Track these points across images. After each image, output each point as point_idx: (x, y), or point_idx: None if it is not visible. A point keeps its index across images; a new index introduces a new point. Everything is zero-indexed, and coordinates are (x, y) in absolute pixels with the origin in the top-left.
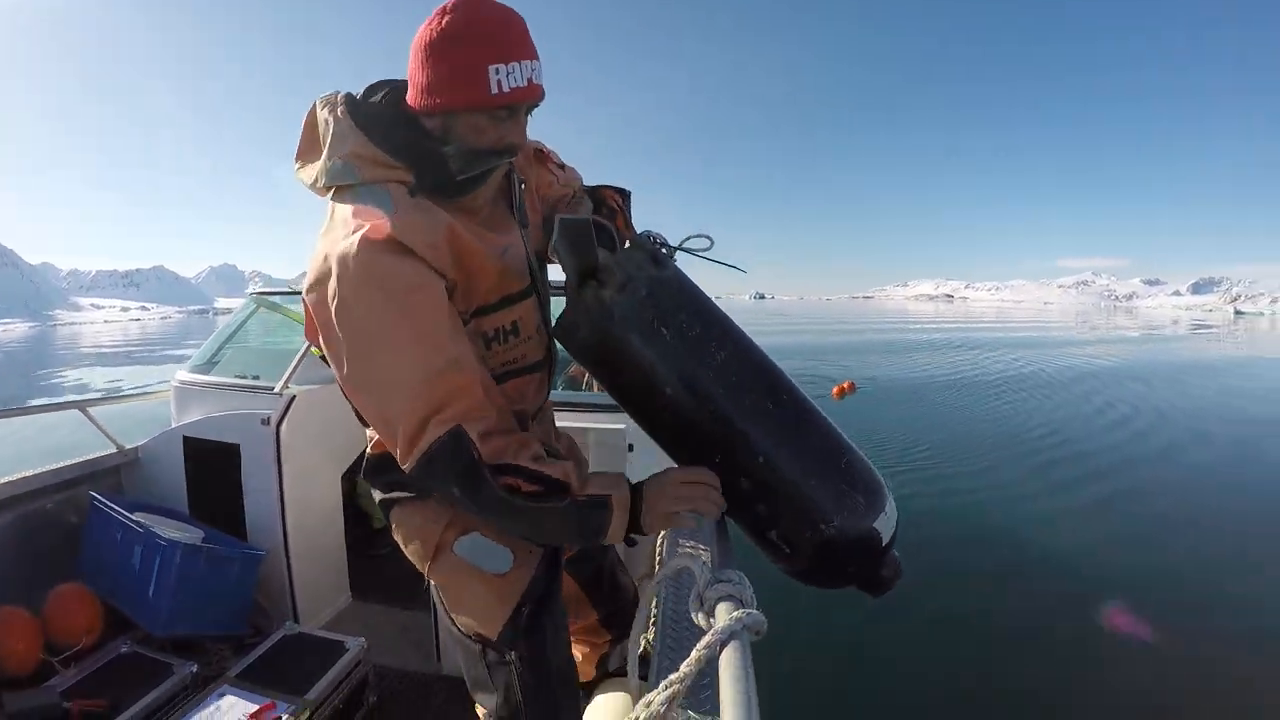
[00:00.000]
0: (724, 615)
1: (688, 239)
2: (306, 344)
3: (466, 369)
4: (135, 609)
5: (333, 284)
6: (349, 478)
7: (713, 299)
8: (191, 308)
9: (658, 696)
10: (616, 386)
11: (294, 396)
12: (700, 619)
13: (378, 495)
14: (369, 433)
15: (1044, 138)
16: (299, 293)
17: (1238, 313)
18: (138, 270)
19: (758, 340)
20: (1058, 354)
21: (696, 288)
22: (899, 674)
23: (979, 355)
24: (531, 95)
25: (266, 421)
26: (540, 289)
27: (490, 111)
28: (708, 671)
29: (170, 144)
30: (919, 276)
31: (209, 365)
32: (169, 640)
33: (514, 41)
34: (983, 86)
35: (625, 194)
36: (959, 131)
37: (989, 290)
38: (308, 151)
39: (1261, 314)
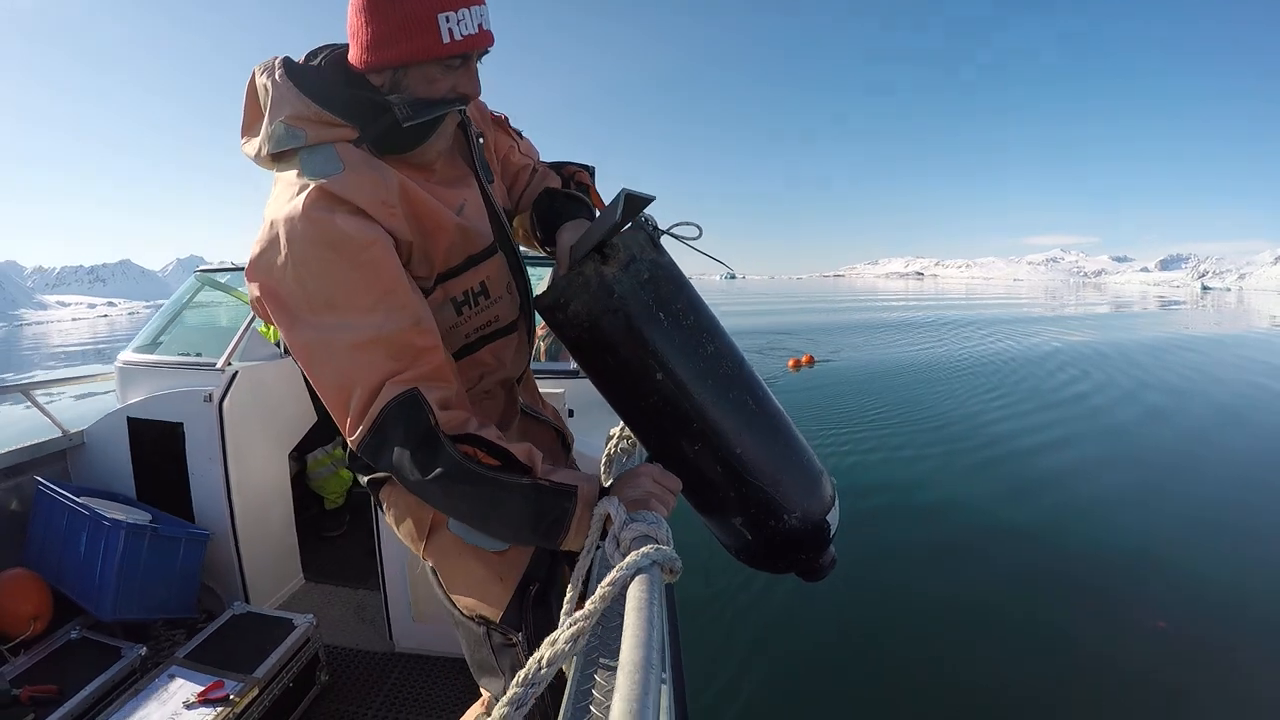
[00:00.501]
0: (635, 552)
1: (675, 225)
2: (250, 318)
3: (428, 331)
4: (83, 594)
5: (282, 249)
6: (298, 458)
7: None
8: (159, 301)
9: (563, 634)
10: (601, 366)
11: (236, 372)
12: (616, 559)
13: (364, 476)
14: None
15: (1013, 115)
16: (244, 268)
17: (1204, 288)
18: (103, 265)
19: (731, 320)
20: (1026, 329)
21: (687, 280)
22: (849, 647)
23: (950, 331)
24: (483, 41)
25: (209, 398)
26: (505, 245)
27: (443, 61)
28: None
29: (133, 134)
30: (889, 254)
31: (153, 345)
32: (118, 625)
33: None
34: (953, 63)
35: (590, 170)
36: (923, 109)
37: (959, 267)
38: (252, 124)
39: (1228, 289)
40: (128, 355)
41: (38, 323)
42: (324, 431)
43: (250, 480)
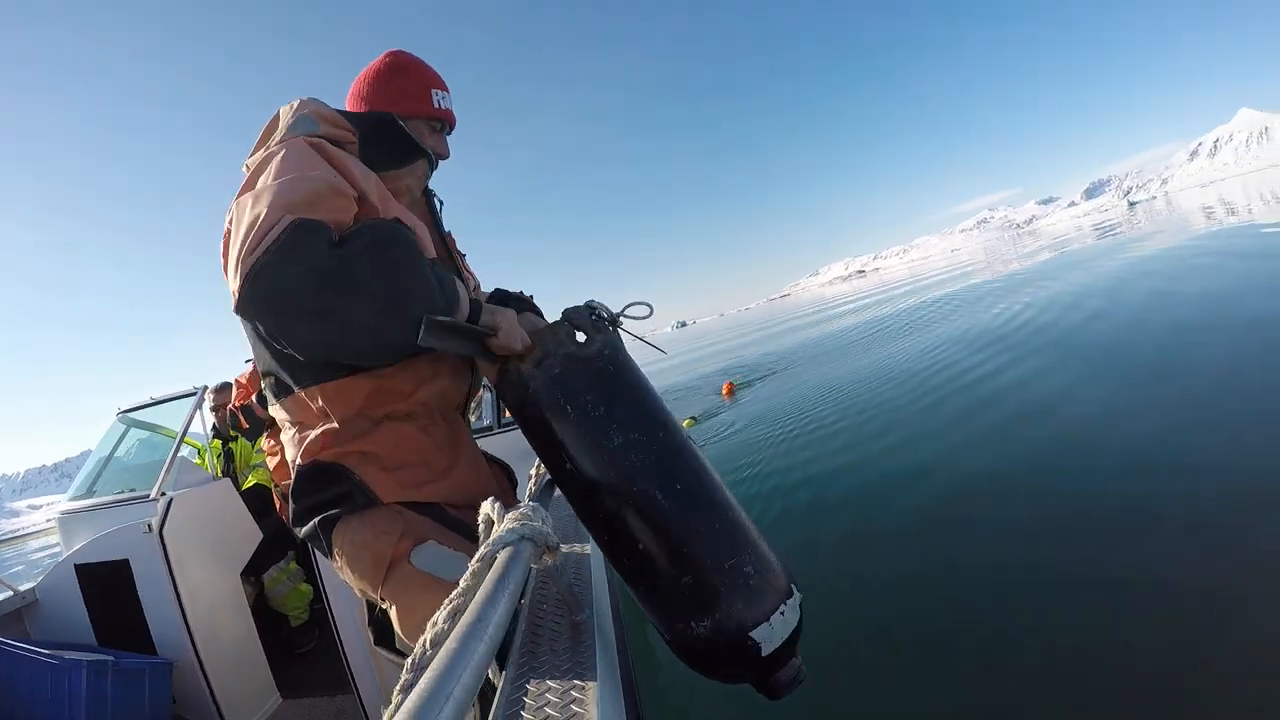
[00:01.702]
0: (504, 527)
1: (628, 306)
2: (176, 447)
3: (346, 202)
4: None
5: (258, 173)
6: (255, 580)
7: (640, 375)
8: None
9: (441, 613)
10: (537, 449)
11: (171, 499)
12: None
13: (309, 525)
14: (290, 438)
15: (904, 92)
16: (165, 400)
17: (1130, 204)
18: (66, 460)
19: (683, 367)
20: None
21: (619, 365)
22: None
23: (897, 314)
24: (452, 118)
25: (149, 529)
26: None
27: (429, 121)
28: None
29: (82, 317)
30: (828, 261)
31: (89, 493)
32: None
33: (439, 79)
34: (830, 55)
35: (529, 299)
36: (823, 110)
37: (897, 255)
38: (263, 142)
39: (1154, 198)
40: (65, 505)
41: (13, 534)
42: (274, 549)
43: (205, 604)
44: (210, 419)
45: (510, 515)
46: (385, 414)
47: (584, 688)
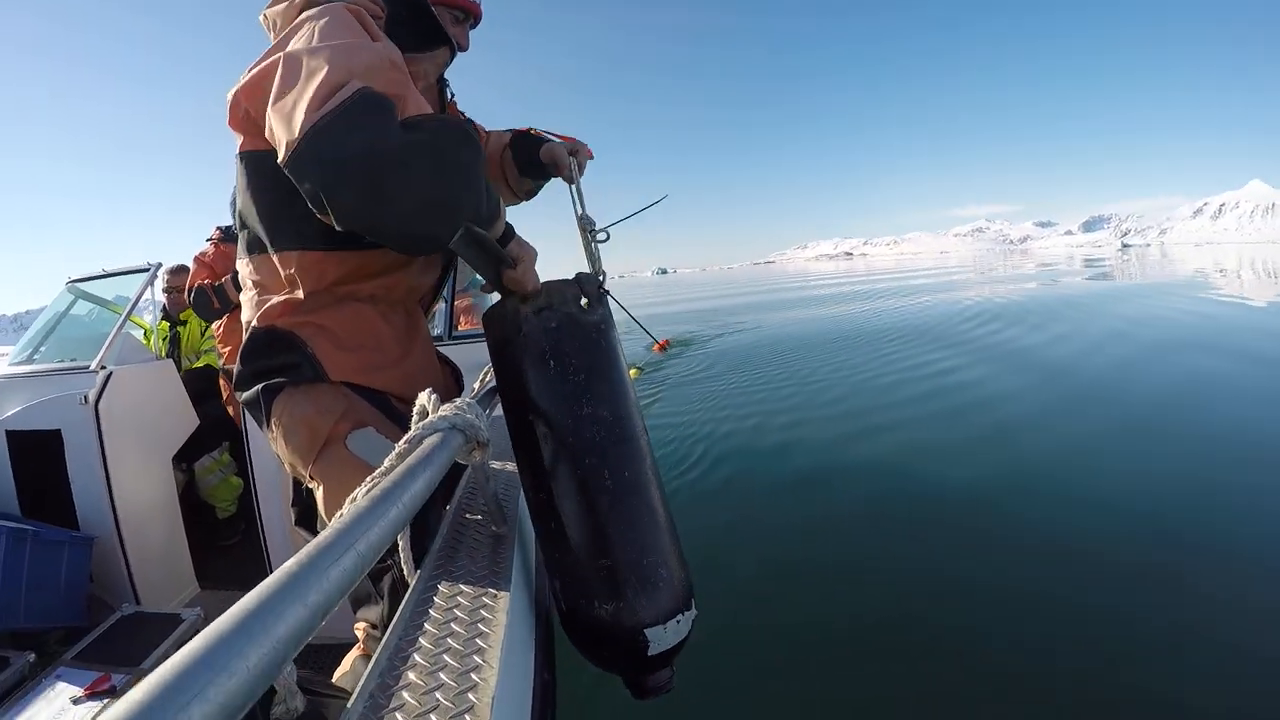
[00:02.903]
0: (437, 415)
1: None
2: (123, 321)
3: (404, 78)
4: None
5: (296, 32)
6: (186, 469)
7: (621, 358)
8: None
9: (361, 489)
10: (501, 388)
11: (111, 373)
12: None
13: (253, 390)
14: (250, 299)
15: (927, 91)
16: (117, 274)
17: (1124, 245)
18: (27, 313)
19: (659, 308)
20: (955, 297)
21: (609, 342)
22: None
23: (881, 304)
24: (478, 11)
25: (85, 400)
26: None
27: (454, 10)
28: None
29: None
30: (817, 238)
31: (29, 359)
32: (7, 635)
33: None
34: (862, 45)
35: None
36: (841, 92)
37: (887, 245)
38: None
39: (1148, 245)
40: (2, 369)
41: None
42: (208, 438)
43: (133, 484)
44: (161, 299)
45: (445, 406)
46: (349, 293)
47: (496, 596)
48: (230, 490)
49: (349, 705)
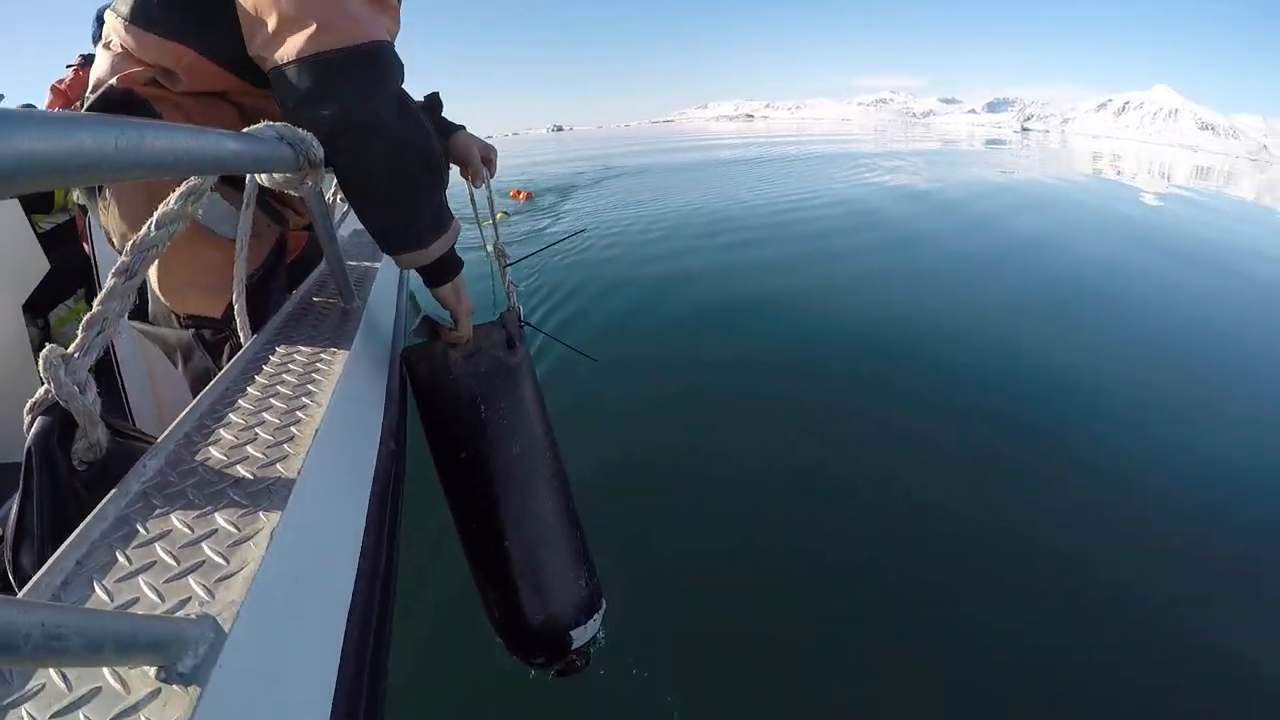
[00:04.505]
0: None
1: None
2: None
3: (396, 13)
4: None
5: None
6: (41, 325)
7: (540, 395)
8: None
9: (173, 195)
10: (428, 427)
11: None
12: None
13: None
14: (113, 58)
15: None
16: None
17: (1024, 129)
18: None
19: (558, 167)
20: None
21: (531, 384)
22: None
23: (777, 168)
24: None
25: None
26: None
27: None
28: None
29: None
30: (718, 98)
31: None
32: None
33: None
34: None
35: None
36: None
37: (789, 109)
38: None
39: (1048, 131)
40: None
41: None
42: (63, 285)
43: None
44: None
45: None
46: (226, 106)
47: (335, 353)
48: None
49: (158, 441)
